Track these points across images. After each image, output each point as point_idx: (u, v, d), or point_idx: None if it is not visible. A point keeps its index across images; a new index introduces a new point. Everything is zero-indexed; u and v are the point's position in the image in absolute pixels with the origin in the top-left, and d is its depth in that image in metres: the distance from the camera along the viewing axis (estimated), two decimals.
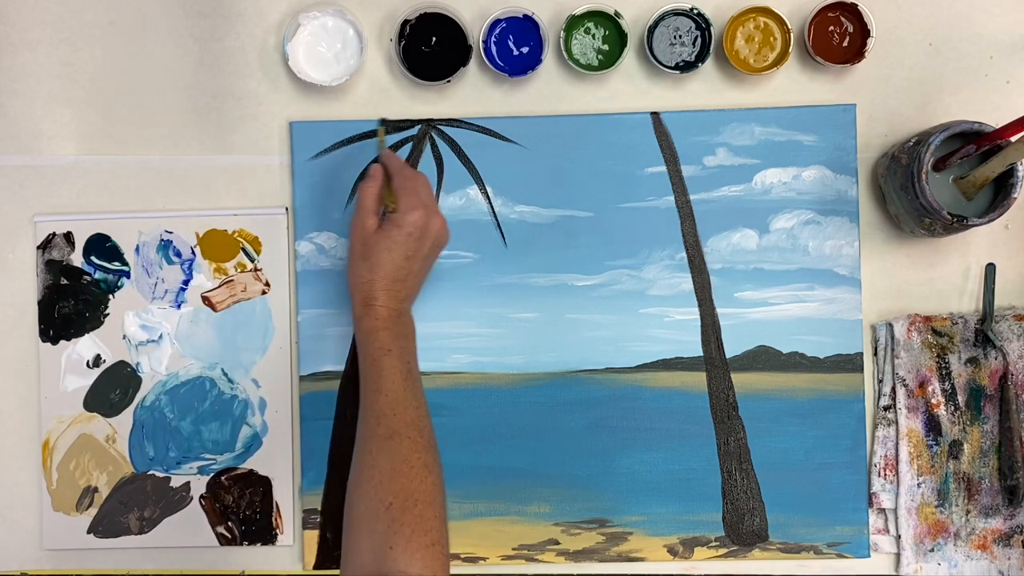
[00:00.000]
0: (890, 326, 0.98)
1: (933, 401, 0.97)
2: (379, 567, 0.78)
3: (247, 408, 1.00)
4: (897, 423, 0.98)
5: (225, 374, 1.00)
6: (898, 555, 0.98)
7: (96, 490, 1.00)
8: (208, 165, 1.01)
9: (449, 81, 0.98)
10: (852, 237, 0.98)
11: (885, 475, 0.98)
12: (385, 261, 0.88)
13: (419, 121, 0.99)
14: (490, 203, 0.99)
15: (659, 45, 0.98)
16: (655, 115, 0.99)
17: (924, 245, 0.99)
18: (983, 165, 0.90)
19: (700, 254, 0.99)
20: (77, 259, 1.00)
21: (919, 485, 0.97)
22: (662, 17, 0.97)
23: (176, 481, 1.00)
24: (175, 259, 1.00)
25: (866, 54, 0.96)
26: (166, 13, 1.01)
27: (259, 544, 1.00)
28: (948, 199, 0.92)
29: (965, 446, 0.98)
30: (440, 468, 0.84)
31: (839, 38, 0.98)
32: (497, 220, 0.99)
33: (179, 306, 1.00)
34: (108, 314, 1.00)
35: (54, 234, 1.00)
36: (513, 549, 0.99)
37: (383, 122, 0.97)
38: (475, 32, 0.98)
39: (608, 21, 0.98)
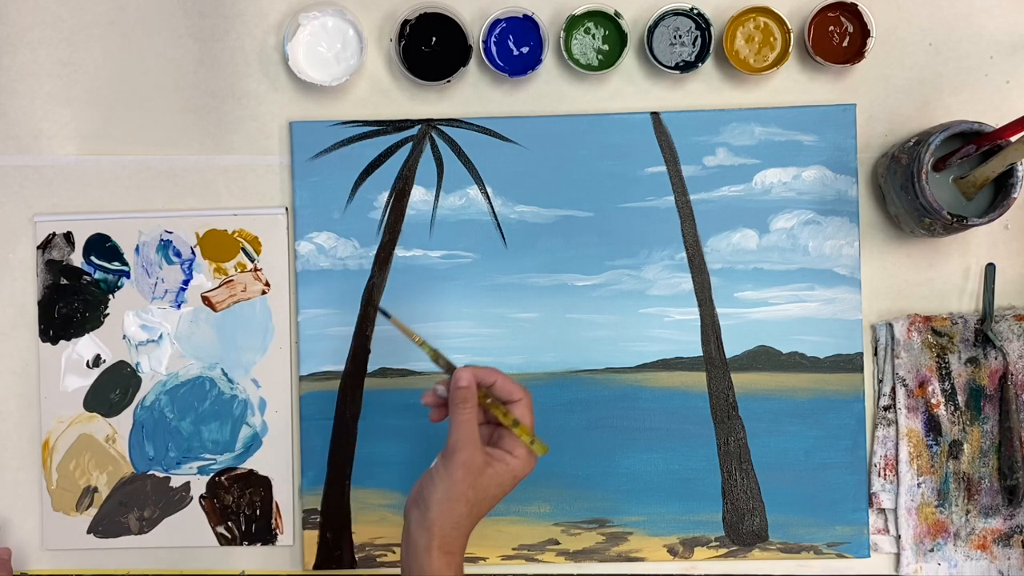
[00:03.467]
0: (890, 326, 0.98)
1: (933, 401, 0.97)
2: None
3: (247, 408, 1.00)
4: (897, 423, 0.98)
5: (225, 374, 1.00)
6: (898, 555, 0.98)
7: (96, 490, 1.00)
8: (208, 165, 1.01)
9: (449, 81, 0.98)
10: (852, 237, 0.98)
11: (885, 475, 0.98)
12: (486, 508, 0.80)
13: (419, 121, 0.99)
14: (490, 203, 0.99)
15: (659, 45, 0.98)
16: (655, 115, 0.99)
17: (924, 245, 0.99)
18: (983, 165, 0.90)
19: (700, 254, 0.99)
20: (77, 259, 1.00)
21: (919, 485, 0.97)
22: (662, 17, 0.97)
23: (176, 481, 1.00)
24: (175, 259, 1.00)
25: (866, 54, 0.96)
26: (166, 13, 1.01)
27: (259, 544, 1.00)
28: (948, 199, 0.92)
29: (965, 446, 0.97)
30: None
31: (839, 38, 0.98)
32: (497, 220, 0.99)
33: (179, 306, 1.00)
34: (108, 314, 1.00)
35: (54, 234, 1.00)
36: (513, 549, 0.99)
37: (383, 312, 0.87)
38: (475, 32, 0.98)
39: (608, 21, 0.98)
